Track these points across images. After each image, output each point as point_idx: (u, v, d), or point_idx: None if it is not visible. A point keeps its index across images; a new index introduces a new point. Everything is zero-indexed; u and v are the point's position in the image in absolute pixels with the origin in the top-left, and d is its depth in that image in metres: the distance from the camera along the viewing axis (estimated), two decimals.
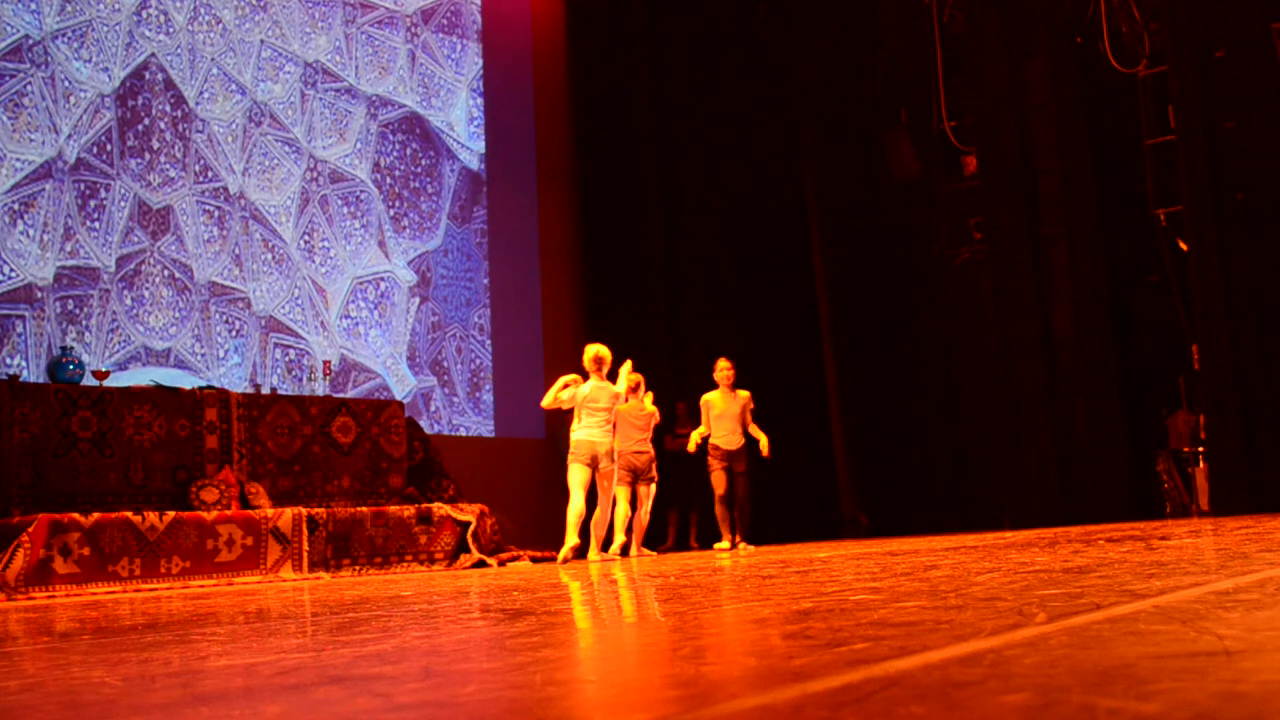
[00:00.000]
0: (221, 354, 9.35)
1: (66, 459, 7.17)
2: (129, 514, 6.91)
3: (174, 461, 7.64)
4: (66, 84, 8.75)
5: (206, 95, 9.57)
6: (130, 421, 7.45)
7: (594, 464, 7.70)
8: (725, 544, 8.60)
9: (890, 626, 1.98)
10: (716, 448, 8.62)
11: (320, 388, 9.25)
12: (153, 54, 9.27)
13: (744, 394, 8.74)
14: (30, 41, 8.58)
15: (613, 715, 1.32)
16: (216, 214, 9.52)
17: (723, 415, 8.65)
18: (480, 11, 11.82)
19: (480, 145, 11.64)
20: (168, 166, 9.24)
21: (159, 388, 7.77)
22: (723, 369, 8.71)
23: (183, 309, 9.16)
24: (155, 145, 9.21)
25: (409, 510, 8.25)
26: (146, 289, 8.96)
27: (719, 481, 8.63)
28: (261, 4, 10.09)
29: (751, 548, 8.39)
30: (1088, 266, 10.61)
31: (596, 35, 12.24)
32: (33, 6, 8.62)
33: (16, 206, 8.35)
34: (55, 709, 1.66)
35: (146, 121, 9.18)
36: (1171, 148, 10.37)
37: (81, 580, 6.57)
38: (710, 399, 8.78)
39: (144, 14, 9.26)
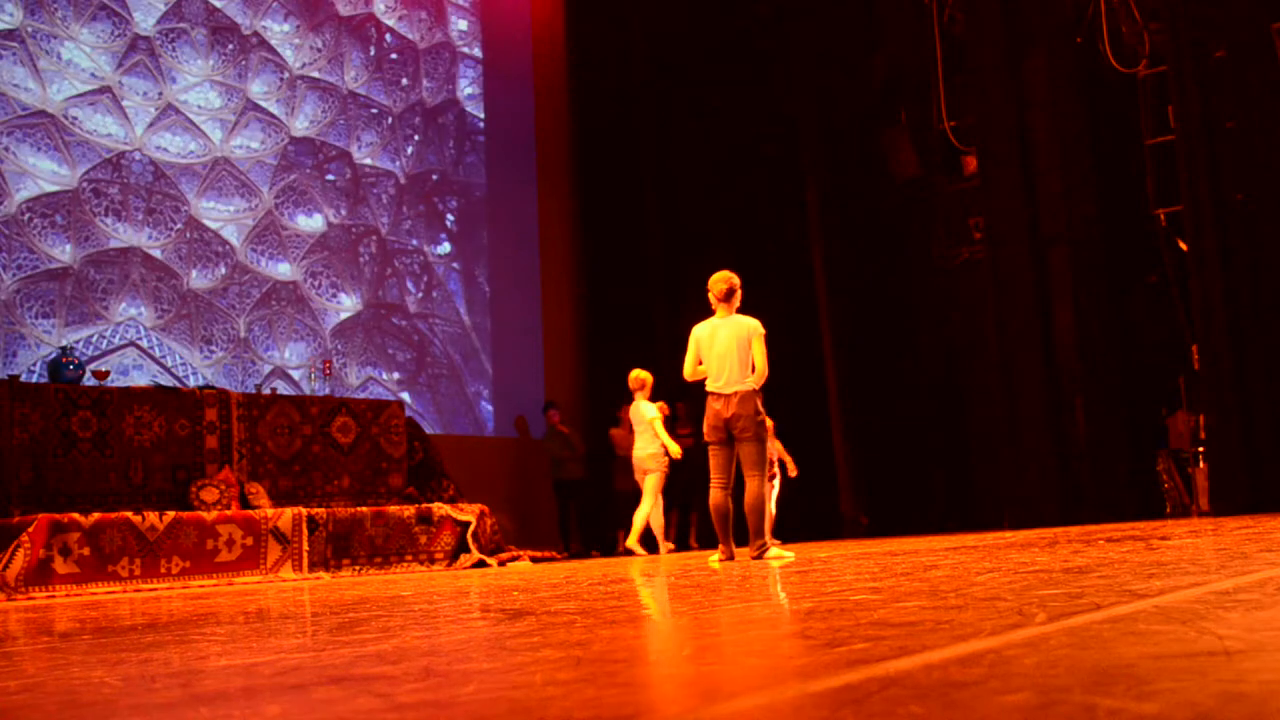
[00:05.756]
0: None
1: (67, 459, 7.16)
2: (129, 514, 6.90)
3: (174, 461, 7.63)
4: None
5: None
6: (130, 421, 7.44)
7: (644, 475, 8.60)
8: (780, 550, 6.04)
9: (890, 626, 1.98)
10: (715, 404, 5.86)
11: (321, 387, 9.25)
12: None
13: (750, 322, 5.91)
14: None
15: (613, 715, 1.32)
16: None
17: (724, 354, 5.86)
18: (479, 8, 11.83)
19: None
20: None
21: (159, 388, 7.76)
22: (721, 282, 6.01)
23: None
24: None
25: (409, 510, 8.24)
26: None
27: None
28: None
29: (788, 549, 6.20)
30: (1088, 266, 10.61)
31: (596, 37, 12.25)
32: None
33: None
34: (55, 709, 1.66)
35: None
36: (1171, 148, 10.38)
37: (81, 580, 6.57)
38: (699, 334, 5.97)
39: None
